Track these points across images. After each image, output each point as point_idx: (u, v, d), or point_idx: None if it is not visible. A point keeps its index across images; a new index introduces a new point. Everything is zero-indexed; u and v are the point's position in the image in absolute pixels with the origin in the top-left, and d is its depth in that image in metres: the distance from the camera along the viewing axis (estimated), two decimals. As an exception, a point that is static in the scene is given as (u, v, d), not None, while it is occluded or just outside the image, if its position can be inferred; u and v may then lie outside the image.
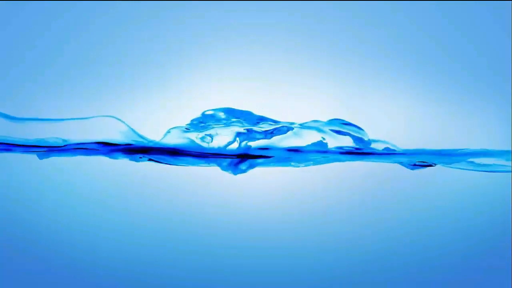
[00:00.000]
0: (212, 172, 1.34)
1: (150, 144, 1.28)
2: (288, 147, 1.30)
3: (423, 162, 1.32)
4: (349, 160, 1.32)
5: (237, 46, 1.37)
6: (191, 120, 1.29)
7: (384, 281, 1.37)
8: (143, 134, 1.31)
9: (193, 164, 1.30)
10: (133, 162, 1.32)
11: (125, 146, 1.28)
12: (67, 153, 1.30)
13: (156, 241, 1.38)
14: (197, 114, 1.31)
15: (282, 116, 1.32)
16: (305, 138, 1.30)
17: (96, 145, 1.29)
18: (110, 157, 1.30)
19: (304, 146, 1.29)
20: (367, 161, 1.32)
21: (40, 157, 1.30)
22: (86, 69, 1.37)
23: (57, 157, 1.32)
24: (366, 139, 1.29)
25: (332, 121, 1.31)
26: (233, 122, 1.29)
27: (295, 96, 1.36)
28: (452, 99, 1.39)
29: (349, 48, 1.39)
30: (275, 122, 1.30)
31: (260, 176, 1.36)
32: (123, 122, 1.27)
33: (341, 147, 1.30)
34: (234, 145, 1.29)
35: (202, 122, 1.29)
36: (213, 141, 1.28)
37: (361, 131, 1.30)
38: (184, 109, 1.34)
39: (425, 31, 1.39)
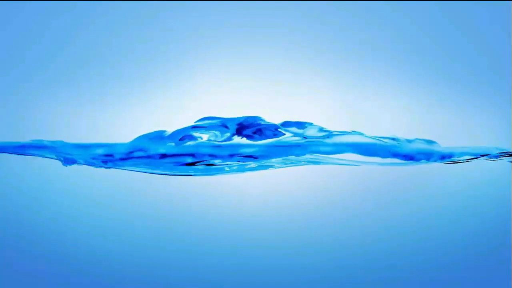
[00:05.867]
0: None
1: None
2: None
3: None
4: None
5: (238, 46, 1.37)
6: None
7: (385, 281, 1.37)
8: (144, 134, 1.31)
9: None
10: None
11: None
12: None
13: (156, 242, 1.38)
14: (197, 114, 1.31)
15: (283, 116, 1.32)
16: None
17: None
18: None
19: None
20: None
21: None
22: (86, 69, 1.37)
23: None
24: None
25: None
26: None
27: (296, 96, 1.36)
28: (452, 99, 1.39)
29: (349, 49, 1.39)
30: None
31: (259, 175, 1.36)
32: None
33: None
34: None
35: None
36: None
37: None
38: (185, 109, 1.34)
39: (425, 31, 1.39)
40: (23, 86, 1.36)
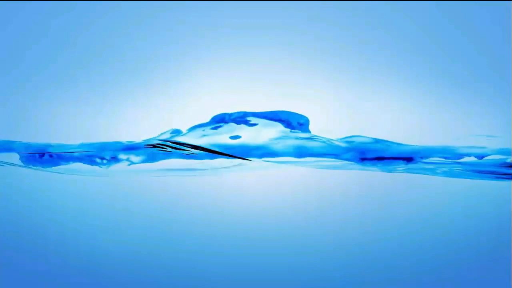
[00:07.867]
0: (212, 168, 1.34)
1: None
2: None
3: None
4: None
5: (239, 46, 1.37)
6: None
7: (385, 281, 1.37)
8: (143, 134, 1.31)
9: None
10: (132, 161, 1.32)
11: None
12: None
13: (154, 242, 1.38)
14: (197, 114, 1.31)
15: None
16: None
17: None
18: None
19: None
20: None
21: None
22: (86, 69, 1.37)
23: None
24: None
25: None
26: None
27: (296, 96, 1.36)
28: (451, 99, 1.39)
29: (349, 49, 1.39)
30: None
31: (259, 176, 1.36)
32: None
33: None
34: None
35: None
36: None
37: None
38: (186, 109, 1.34)
39: (425, 31, 1.39)
40: (23, 86, 1.36)
